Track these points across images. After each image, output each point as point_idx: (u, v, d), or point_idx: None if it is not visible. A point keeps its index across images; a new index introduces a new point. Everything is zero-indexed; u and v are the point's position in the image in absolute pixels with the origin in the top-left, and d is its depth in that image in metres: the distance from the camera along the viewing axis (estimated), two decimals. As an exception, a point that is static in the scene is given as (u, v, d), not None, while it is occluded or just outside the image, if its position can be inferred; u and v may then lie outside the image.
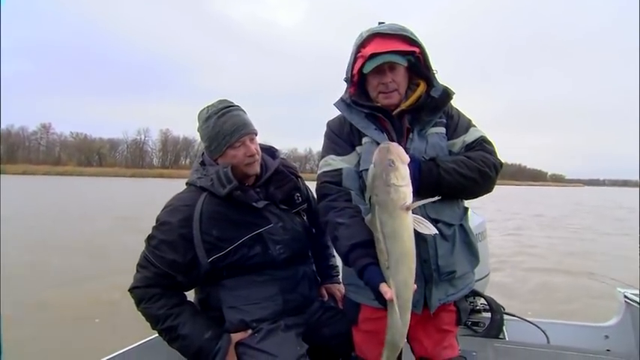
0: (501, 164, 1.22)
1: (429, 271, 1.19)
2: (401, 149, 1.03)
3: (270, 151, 1.49)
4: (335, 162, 1.25)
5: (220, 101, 1.37)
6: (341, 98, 1.28)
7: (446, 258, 1.21)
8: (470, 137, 1.23)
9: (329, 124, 1.34)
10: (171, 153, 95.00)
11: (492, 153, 1.22)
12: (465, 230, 1.28)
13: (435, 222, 1.13)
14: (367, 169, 1.14)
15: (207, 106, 1.36)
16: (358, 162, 1.24)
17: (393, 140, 1.19)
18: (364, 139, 1.23)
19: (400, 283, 1.03)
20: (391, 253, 1.03)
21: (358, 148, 1.25)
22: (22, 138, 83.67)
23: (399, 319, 1.04)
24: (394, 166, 1.00)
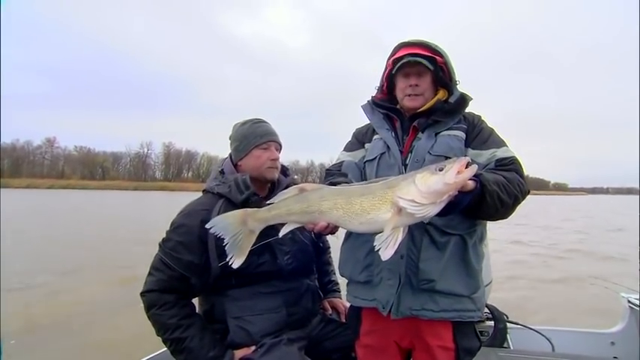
0: (529, 191, 1.14)
1: (404, 270, 1.15)
2: (468, 173, 0.89)
3: (282, 169, 1.58)
4: (342, 156, 1.41)
5: (257, 117, 1.53)
6: (367, 101, 1.39)
7: (429, 264, 1.13)
8: (502, 153, 1.17)
9: (355, 130, 1.47)
10: (174, 166, 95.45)
11: (524, 177, 1.15)
12: (465, 244, 1.16)
13: (425, 223, 1.09)
14: (370, 160, 1.29)
15: (245, 119, 1.53)
16: (364, 156, 1.34)
17: (397, 137, 1.28)
18: (375, 136, 1.34)
19: (306, 208, 1.00)
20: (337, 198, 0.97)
21: (367, 145, 1.36)
22: (27, 152, 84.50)
23: (270, 215, 1.06)
24: (435, 172, 0.88)
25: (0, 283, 4.67)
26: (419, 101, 1.26)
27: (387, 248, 0.90)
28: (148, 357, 1.75)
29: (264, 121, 1.51)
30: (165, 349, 1.38)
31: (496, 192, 1.00)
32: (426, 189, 0.88)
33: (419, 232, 1.15)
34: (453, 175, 0.87)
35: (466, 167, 0.89)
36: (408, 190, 0.89)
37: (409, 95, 1.26)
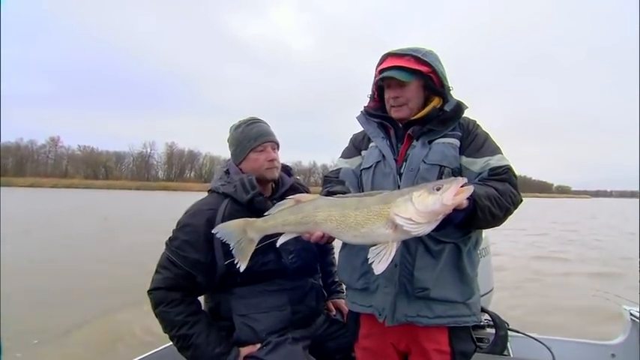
0: (521, 200, 1.15)
1: (399, 277, 1.17)
2: (465, 194, 0.90)
3: (285, 169, 1.60)
4: (340, 163, 1.42)
5: (251, 116, 1.54)
6: (361, 111, 1.39)
7: (423, 272, 1.15)
8: (496, 162, 1.16)
9: (352, 136, 1.47)
10: (176, 166, 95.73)
11: (517, 187, 1.15)
12: (459, 252, 1.18)
13: None
14: (367, 168, 1.30)
15: (239, 120, 1.53)
16: (361, 164, 1.35)
17: (392, 146, 1.28)
18: (371, 144, 1.34)
19: (306, 217, 1.03)
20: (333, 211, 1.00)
21: (363, 152, 1.36)
22: (31, 151, 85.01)
23: (269, 224, 1.09)
24: (433, 192, 0.89)
25: (0, 285, 4.69)
26: (403, 112, 1.25)
27: (380, 262, 0.92)
28: (154, 351, 1.77)
29: (258, 121, 1.51)
30: (170, 343, 1.39)
31: (487, 207, 1.02)
32: (423, 208, 0.89)
33: (414, 241, 1.16)
34: (451, 196, 0.88)
35: (462, 187, 0.91)
36: (405, 208, 0.90)
37: (394, 107, 1.26)
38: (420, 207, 0.89)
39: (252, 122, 1.50)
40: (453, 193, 0.88)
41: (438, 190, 0.89)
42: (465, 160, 1.20)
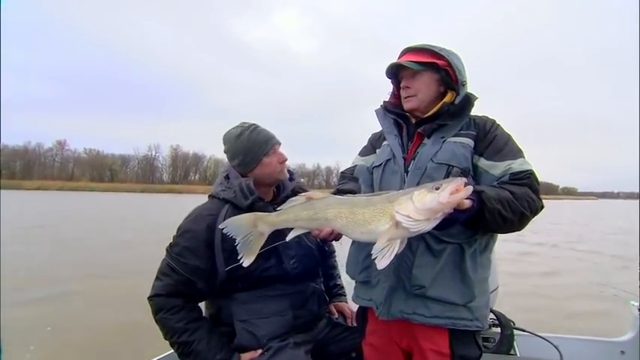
0: (542, 207, 1.11)
1: (398, 274, 1.17)
2: (462, 194, 0.91)
3: (288, 173, 1.58)
4: (356, 160, 1.44)
5: (242, 122, 1.49)
6: (380, 105, 1.37)
7: (422, 270, 1.14)
8: (518, 166, 1.11)
9: (370, 135, 1.49)
10: (181, 169, 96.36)
11: (537, 193, 1.11)
12: (462, 253, 1.14)
13: None
14: (377, 166, 1.31)
15: (233, 128, 1.47)
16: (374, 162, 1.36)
17: (403, 144, 1.27)
18: (384, 142, 1.35)
19: (316, 216, 1.07)
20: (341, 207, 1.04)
21: (378, 150, 1.38)
22: (38, 154, 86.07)
23: (280, 218, 1.13)
24: (432, 191, 0.92)
25: (0, 288, 4.73)
26: (412, 102, 1.24)
27: (382, 258, 0.95)
28: (155, 359, 1.77)
29: (256, 125, 1.49)
30: (172, 351, 1.39)
31: (497, 209, 1.01)
32: (421, 206, 0.93)
33: (415, 239, 1.15)
34: (447, 195, 0.91)
35: (464, 186, 0.92)
36: (405, 205, 0.95)
37: (405, 98, 1.26)
38: (419, 205, 0.93)
39: (254, 128, 1.47)
40: (449, 192, 0.91)
41: (437, 189, 0.93)
42: (484, 162, 1.16)
